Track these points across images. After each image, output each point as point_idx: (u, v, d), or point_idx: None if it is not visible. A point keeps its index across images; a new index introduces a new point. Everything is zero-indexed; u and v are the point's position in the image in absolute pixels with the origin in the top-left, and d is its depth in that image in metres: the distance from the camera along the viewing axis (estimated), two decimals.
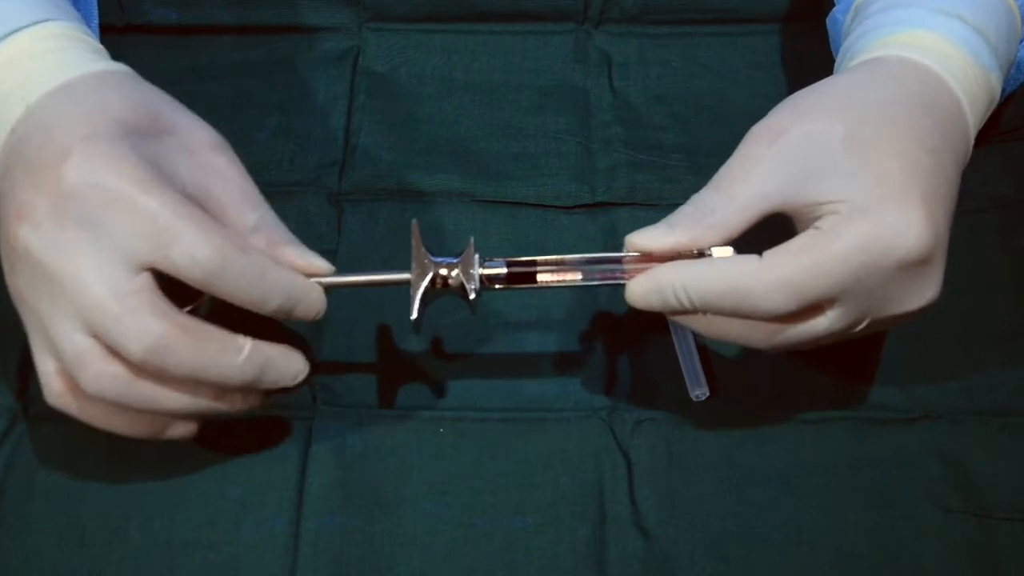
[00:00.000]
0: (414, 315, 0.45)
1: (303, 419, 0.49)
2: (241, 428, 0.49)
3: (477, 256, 0.45)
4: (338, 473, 0.48)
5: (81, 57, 0.44)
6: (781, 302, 0.41)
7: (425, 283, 0.45)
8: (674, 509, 0.47)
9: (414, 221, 0.46)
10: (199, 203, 0.42)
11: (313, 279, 0.45)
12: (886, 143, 0.42)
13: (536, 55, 0.62)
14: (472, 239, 0.46)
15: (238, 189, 0.45)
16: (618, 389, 0.51)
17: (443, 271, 0.45)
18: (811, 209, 0.42)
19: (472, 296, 0.45)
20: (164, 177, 0.41)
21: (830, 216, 0.41)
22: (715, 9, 0.63)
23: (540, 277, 0.45)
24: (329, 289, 0.46)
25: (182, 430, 0.45)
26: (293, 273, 0.44)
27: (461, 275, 0.45)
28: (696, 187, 0.56)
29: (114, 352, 0.40)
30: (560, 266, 0.45)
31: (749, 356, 0.51)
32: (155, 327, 0.40)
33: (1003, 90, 0.50)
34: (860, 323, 0.43)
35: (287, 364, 0.44)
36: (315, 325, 0.52)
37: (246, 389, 0.44)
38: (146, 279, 0.40)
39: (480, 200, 0.56)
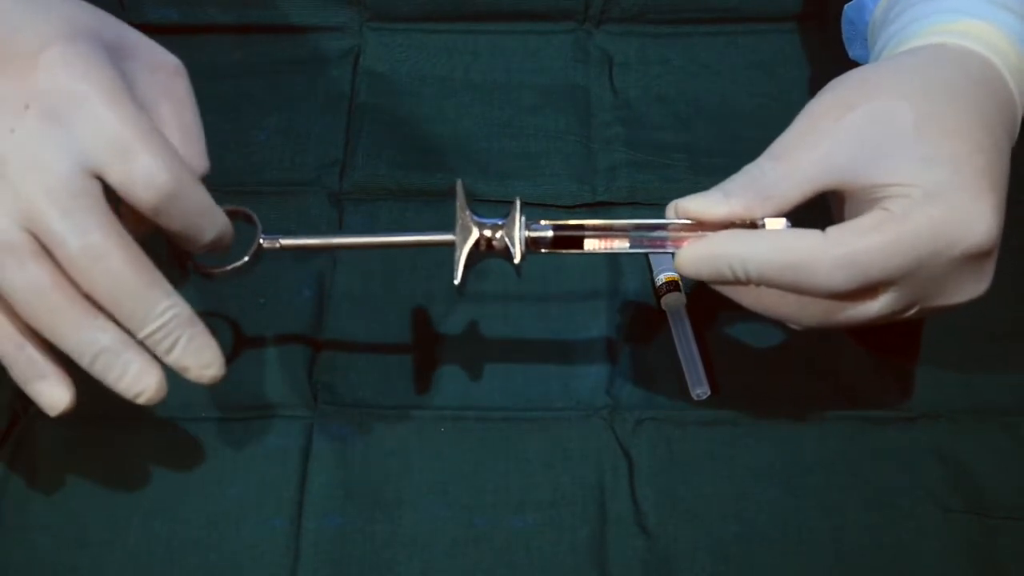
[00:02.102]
0: (458, 278, 0.44)
1: (303, 419, 0.49)
2: (241, 428, 0.49)
3: (523, 219, 0.45)
4: (338, 473, 0.48)
5: None
6: (843, 280, 0.40)
7: (469, 245, 0.44)
8: (675, 509, 0.47)
9: (459, 181, 0.46)
10: (152, 120, 0.42)
11: (362, 239, 0.46)
12: (956, 129, 0.42)
13: (537, 55, 0.62)
14: (518, 200, 0.45)
15: (191, 115, 0.45)
16: (619, 388, 0.51)
17: (488, 232, 0.44)
18: (875, 189, 0.41)
19: (517, 260, 0.44)
20: (131, 92, 0.41)
21: (900, 199, 0.41)
22: (716, 9, 0.63)
23: (587, 244, 0.45)
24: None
25: (52, 390, 0.42)
26: (221, 209, 0.43)
27: (506, 237, 0.44)
28: (697, 187, 0.56)
29: (44, 254, 0.39)
30: (607, 231, 0.45)
31: (750, 356, 0.51)
32: (102, 227, 0.39)
33: None
34: (910, 309, 0.43)
35: (201, 349, 0.42)
36: (316, 325, 0.52)
37: (145, 360, 0.41)
38: (99, 185, 0.40)
39: (481, 200, 0.56)
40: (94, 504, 0.47)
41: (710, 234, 0.43)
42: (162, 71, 0.44)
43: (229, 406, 0.49)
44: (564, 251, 0.45)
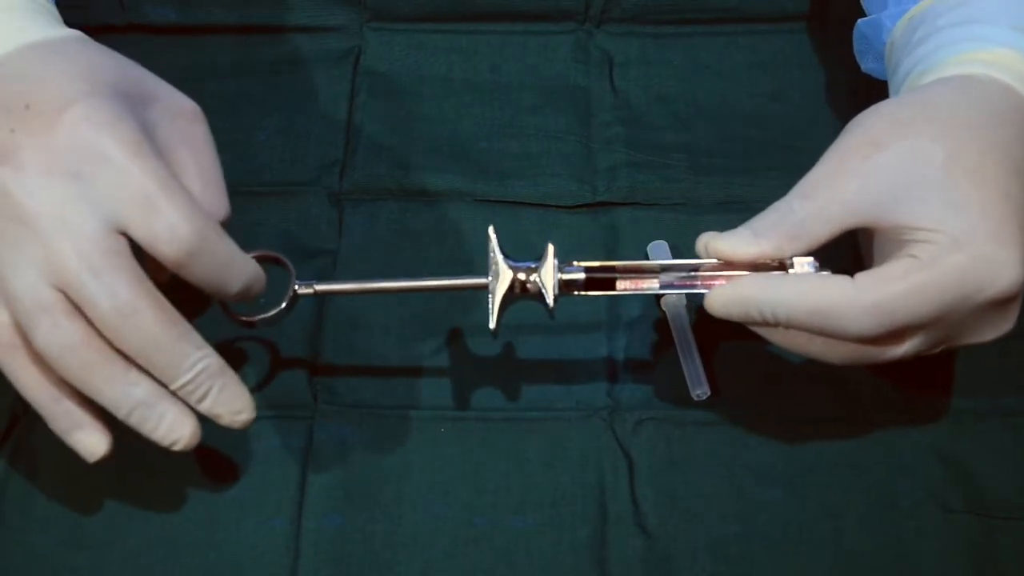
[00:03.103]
0: (493, 324, 0.45)
1: (304, 419, 0.49)
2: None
3: (556, 262, 0.45)
4: (339, 473, 0.48)
5: (49, 21, 0.45)
6: (871, 326, 0.41)
7: (504, 289, 0.45)
8: (675, 509, 0.47)
9: (491, 227, 0.46)
10: (172, 168, 0.43)
11: (397, 283, 0.47)
12: (985, 172, 0.42)
13: (537, 55, 0.62)
14: (551, 246, 0.46)
15: (210, 160, 0.45)
16: (618, 389, 0.51)
17: (521, 276, 0.45)
18: (903, 231, 0.42)
19: (550, 303, 0.45)
20: (153, 145, 0.41)
21: (927, 245, 0.41)
22: (716, 9, 0.63)
23: (619, 285, 0.46)
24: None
25: (90, 439, 0.43)
26: (250, 258, 0.44)
27: (540, 281, 0.45)
28: (696, 187, 0.57)
29: (75, 311, 0.40)
30: (638, 273, 0.45)
31: (750, 356, 0.51)
32: (131, 286, 0.40)
33: None
34: (936, 348, 0.44)
35: (232, 398, 0.43)
36: (317, 325, 0.52)
37: (179, 409, 0.42)
38: (125, 242, 0.40)
39: (481, 200, 0.56)
40: (94, 504, 0.47)
41: (740, 277, 0.44)
42: (181, 117, 0.45)
43: None
44: (596, 293, 0.46)
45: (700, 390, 0.50)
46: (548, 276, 0.45)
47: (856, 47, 0.56)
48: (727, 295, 0.43)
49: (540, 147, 0.59)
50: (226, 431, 0.48)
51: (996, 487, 0.48)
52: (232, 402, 0.43)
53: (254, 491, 0.48)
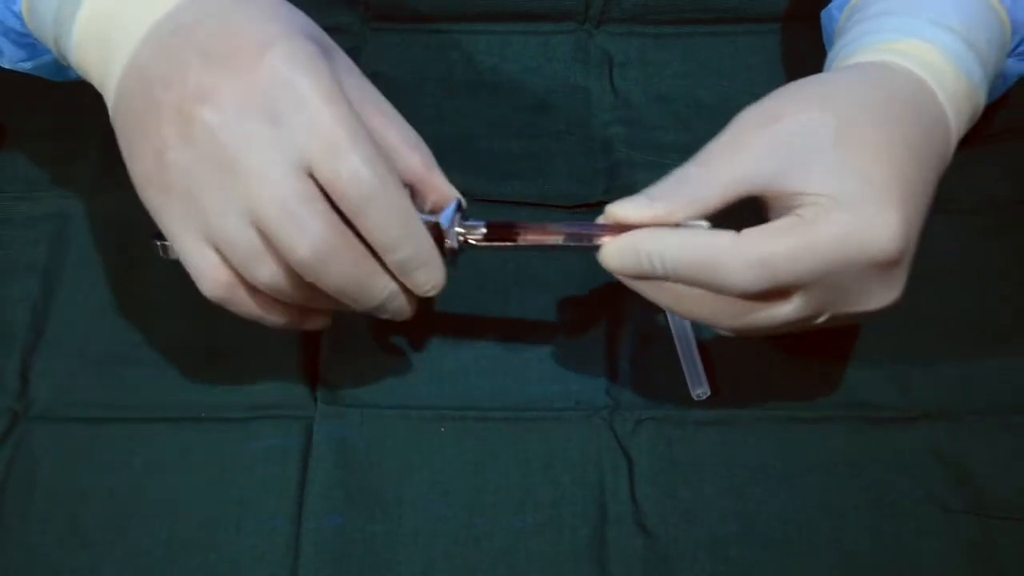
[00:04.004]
0: None
1: (304, 419, 0.49)
2: (241, 428, 0.49)
3: (458, 215, 0.46)
4: (339, 473, 0.48)
5: None
6: (752, 279, 0.42)
7: None
8: (675, 509, 0.47)
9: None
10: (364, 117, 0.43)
11: None
12: (875, 145, 0.43)
13: (537, 55, 0.62)
14: (456, 199, 0.46)
15: (391, 110, 0.46)
16: (618, 389, 0.51)
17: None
18: (792, 197, 0.43)
19: (448, 248, 0.45)
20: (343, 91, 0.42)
21: (811, 207, 0.42)
22: (716, 9, 0.63)
23: (520, 238, 0.46)
24: None
25: (321, 323, 0.47)
26: (428, 235, 0.44)
27: (443, 231, 0.45)
28: None
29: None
30: (541, 232, 0.46)
31: (750, 355, 0.51)
32: (328, 232, 0.40)
33: (987, 100, 0.50)
34: (821, 315, 0.44)
35: (407, 307, 0.45)
36: None
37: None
38: (316, 186, 0.40)
39: (481, 199, 0.56)
40: (94, 504, 0.47)
41: (633, 230, 0.44)
42: (354, 70, 0.46)
43: (229, 406, 0.49)
44: (496, 244, 0.46)
45: (700, 390, 0.50)
46: (449, 228, 0.45)
47: (824, 37, 0.57)
48: (620, 245, 0.44)
49: (540, 147, 0.59)
50: (225, 431, 0.49)
51: (995, 487, 0.48)
52: (406, 312, 0.45)
53: (254, 491, 0.48)
